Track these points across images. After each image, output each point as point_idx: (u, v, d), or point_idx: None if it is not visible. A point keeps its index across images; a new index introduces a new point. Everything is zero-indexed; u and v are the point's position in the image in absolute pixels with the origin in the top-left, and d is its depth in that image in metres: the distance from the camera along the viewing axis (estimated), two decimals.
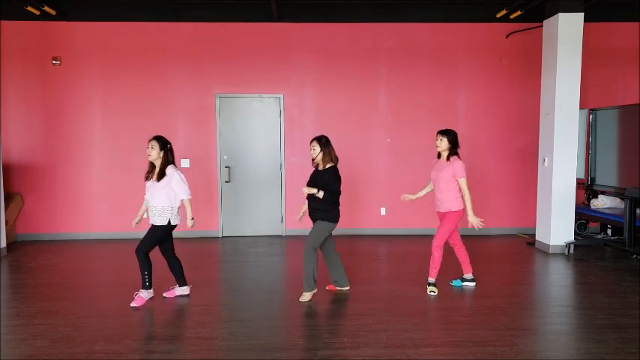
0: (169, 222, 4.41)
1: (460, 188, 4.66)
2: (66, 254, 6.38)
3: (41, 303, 4.46)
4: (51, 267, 5.76)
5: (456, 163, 4.64)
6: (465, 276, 4.96)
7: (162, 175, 4.38)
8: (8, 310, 4.29)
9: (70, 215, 7.23)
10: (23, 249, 6.66)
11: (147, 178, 4.49)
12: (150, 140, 4.43)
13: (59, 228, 7.24)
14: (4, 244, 6.34)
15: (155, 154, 4.39)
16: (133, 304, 4.35)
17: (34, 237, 7.20)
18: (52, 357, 3.38)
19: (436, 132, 4.80)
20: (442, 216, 4.77)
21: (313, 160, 4.59)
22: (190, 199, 4.51)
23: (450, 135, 4.69)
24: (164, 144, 4.43)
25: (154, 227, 4.42)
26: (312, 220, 4.59)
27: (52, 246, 6.83)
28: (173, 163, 4.50)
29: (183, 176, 4.47)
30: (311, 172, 4.70)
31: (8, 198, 6.83)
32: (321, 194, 4.40)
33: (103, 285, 5.10)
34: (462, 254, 4.93)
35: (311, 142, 4.58)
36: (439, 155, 4.81)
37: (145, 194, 4.51)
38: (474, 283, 4.93)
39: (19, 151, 7.14)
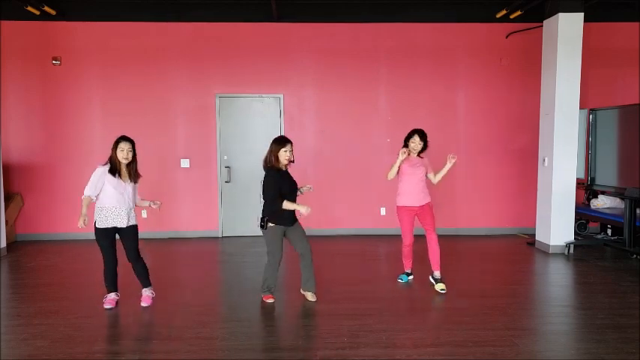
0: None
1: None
2: (66, 254, 6.39)
3: (41, 303, 4.46)
4: (51, 267, 5.76)
5: (426, 160, 4.99)
6: (408, 270, 5.17)
7: (138, 176, 4.38)
8: (8, 310, 4.29)
9: (70, 215, 7.21)
10: (23, 249, 6.66)
11: (117, 176, 4.24)
12: (125, 142, 4.24)
13: (59, 228, 7.24)
14: (4, 244, 6.34)
15: (131, 156, 4.30)
16: (144, 304, 4.37)
17: (34, 237, 7.20)
18: (52, 357, 3.38)
19: (413, 131, 4.93)
20: (420, 209, 4.85)
21: (292, 161, 4.44)
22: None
23: (426, 136, 4.93)
24: (133, 144, 4.36)
25: (135, 228, 4.39)
26: (291, 221, 4.42)
27: (52, 246, 6.83)
28: None
29: None
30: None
31: (8, 198, 6.83)
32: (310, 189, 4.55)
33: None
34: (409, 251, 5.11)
35: (289, 143, 4.38)
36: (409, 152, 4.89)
37: (91, 191, 4.24)
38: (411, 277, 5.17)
39: (19, 151, 7.14)
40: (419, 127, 4.97)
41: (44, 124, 7.15)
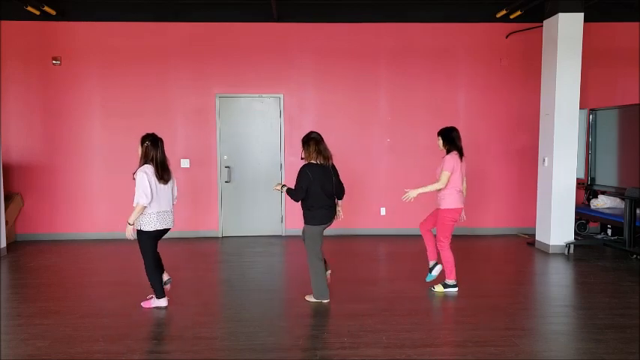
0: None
1: (452, 186, 4.62)
2: (66, 254, 6.38)
3: (41, 303, 4.46)
4: (51, 267, 5.76)
5: (444, 159, 4.67)
6: (431, 264, 4.90)
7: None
8: (8, 310, 4.29)
9: (70, 215, 7.23)
10: (23, 249, 6.66)
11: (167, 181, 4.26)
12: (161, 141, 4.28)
13: (59, 228, 7.24)
14: (4, 244, 6.34)
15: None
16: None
17: (34, 237, 7.20)
18: (52, 357, 3.38)
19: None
20: (436, 212, 4.78)
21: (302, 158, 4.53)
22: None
23: (442, 134, 4.79)
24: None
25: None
26: None
27: (52, 246, 6.83)
28: None
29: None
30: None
31: (8, 198, 6.82)
32: (283, 189, 4.49)
33: (102, 285, 5.10)
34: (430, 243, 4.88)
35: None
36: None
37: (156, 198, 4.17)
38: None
39: (19, 151, 7.14)
40: (447, 126, 4.82)
41: (44, 124, 7.15)
